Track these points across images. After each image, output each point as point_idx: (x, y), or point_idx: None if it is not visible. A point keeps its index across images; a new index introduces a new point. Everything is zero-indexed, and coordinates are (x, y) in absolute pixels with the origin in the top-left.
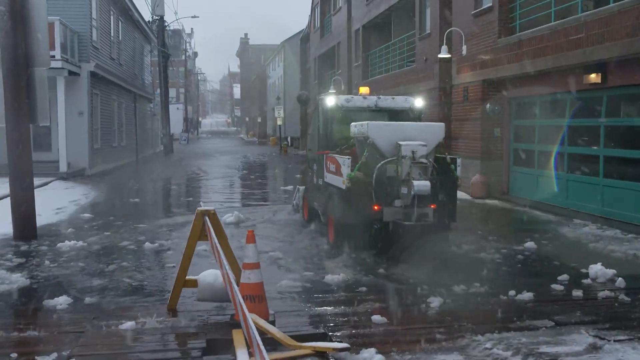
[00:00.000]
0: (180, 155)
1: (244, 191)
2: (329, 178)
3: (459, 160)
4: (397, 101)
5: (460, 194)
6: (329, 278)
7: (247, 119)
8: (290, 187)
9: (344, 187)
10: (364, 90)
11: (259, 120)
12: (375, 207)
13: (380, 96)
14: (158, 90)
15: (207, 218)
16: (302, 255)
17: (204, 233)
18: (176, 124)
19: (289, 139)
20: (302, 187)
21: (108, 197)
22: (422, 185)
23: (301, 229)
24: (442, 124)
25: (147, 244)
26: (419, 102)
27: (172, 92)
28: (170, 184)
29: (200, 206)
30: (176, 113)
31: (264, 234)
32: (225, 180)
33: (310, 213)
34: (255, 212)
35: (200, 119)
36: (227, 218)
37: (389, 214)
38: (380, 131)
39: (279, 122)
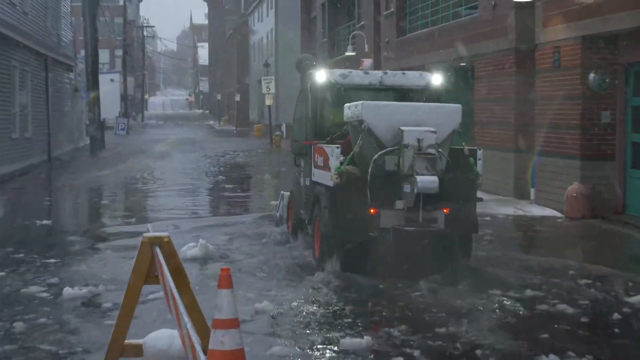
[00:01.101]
0: (115, 152)
1: (214, 208)
2: (317, 175)
3: (479, 152)
4: (409, 78)
5: (550, 212)
6: (346, 342)
7: (218, 96)
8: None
9: (331, 184)
10: (367, 63)
11: (238, 98)
12: (371, 210)
13: (388, 71)
14: (82, 53)
15: (157, 249)
16: (304, 304)
17: (153, 273)
18: (111, 104)
19: (283, 127)
20: (286, 193)
21: (2, 218)
22: (427, 181)
23: (302, 261)
24: (459, 106)
25: (67, 290)
26: (437, 79)
27: (103, 56)
28: (100, 197)
29: (148, 231)
30: (110, 88)
31: (247, 268)
32: (185, 193)
33: (296, 224)
34: (231, 238)
35: (147, 96)
36: (189, 250)
37: (388, 219)
38: (378, 113)
39: (269, 102)
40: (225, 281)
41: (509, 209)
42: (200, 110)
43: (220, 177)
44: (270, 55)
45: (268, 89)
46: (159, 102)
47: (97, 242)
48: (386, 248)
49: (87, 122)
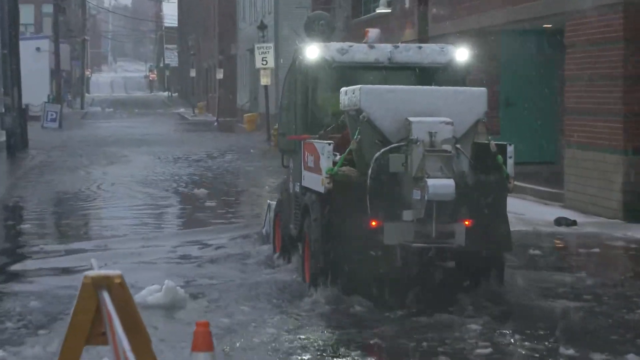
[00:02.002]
0: (44, 154)
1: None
2: (307, 179)
3: (510, 149)
4: (427, 53)
5: None
6: None
7: (192, 72)
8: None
9: (322, 189)
10: (372, 34)
11: (220, 76)
12: (372, 223)
13: (399, 44)
14: None
15: (105, 295)
16: (291, 336)
17: (98, 329)
18: (37, 83)
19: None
20: (273, 203)
21: None
22: (441, 185)
23: (291, 287)
24: (483, 90)
25: None
26: (462, 55)
27: (26, 13)
28: (19, 219)
29: (91, 267)
30: (36, 60)
31: (225, 298)
32: (144, 212)
33: (286, 242)
34: (208, 262)
35: (89, 73)
36: (150, 295)
37: (394, 233)
38: (379, 100)
39: (265, 81)
40: (203, 341)
41: (613, 236)
42: (167, 93)
43: (195, 190)
44: (268, 13)
45: (264, 62)
46: (107, 81)
47: (8, 283)
48: (391, 270)
49: (2, 109)
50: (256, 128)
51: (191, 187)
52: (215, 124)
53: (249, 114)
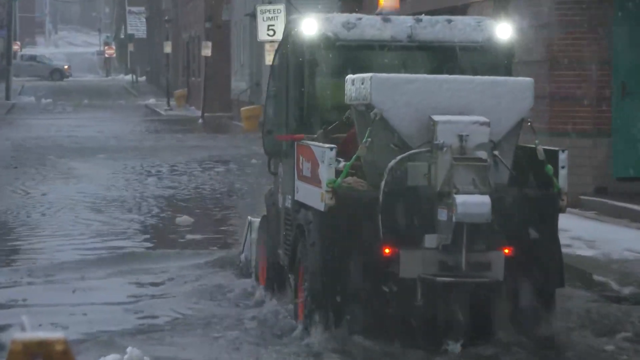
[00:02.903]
0: None
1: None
2: (302, 192)
3: (562, 156)
4: (458, 28)
5: None
6: None
7: (167, 47)
8: None
9: (322, 207)
10: (389, 3)
11: (207, 52)
12: (386, 250)
13: (422, 16)
14: None
15: None
16: None
17: None
18: None
19: None
20: (255, 221)
21: None
22: (473, 203)
23: (280, 330)
24: (529, 80)
25: None
26: (505, 31)
27: None
28: None
29: (23, 327)
30: None
31: (195, 347)
32: (95, 243)
33: (272, 273)
34: (172, 298)
35: (17, 47)
36: None
37: (413, 264)
38: (396, 93)
39: (272, 61)
40: None
41: None
42: (130, 77)
43: (177, 218)
44: None
45: (271, 33)
46: (44, 55)
47: None
48: (409, 310)
49: None
50: (258, 127)
51: (168, 214)
52: (201, 121)
53: (249, 107)
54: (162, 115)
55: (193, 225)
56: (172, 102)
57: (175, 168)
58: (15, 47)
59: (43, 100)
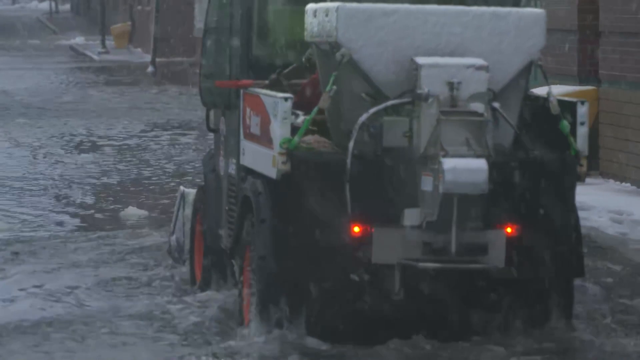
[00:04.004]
0: None
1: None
2: (249, 154)
3: (582, 109)
4: None
5: None
6: None
7: None
8: None
9: (274, 173)
10: None
11: None
12: (355, 229)
13: None
14: None
15: None
16: None
17: None
18: None
19: None
20: (190, 191)
21: None
22: (465, 168)
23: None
24: (540, 12)
25: None
26: None
27: None
28: None
29: None
30: None
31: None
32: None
33: (211, 259)
34: (82, 289)
35: None
36: None
37: (388, 246)
38: (369, 28)
39: None
40: None
41: None
42: (47, 4)
43: (123, 211)
44: None
45: None
46: None
47: None
48: (384, 304)
49: None
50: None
51: (110, 204)
52: (150, 69)
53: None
54: (95, 60)
55: (144, 220)
56: (109, 42)
57: (116, 139)
58: None
59: None
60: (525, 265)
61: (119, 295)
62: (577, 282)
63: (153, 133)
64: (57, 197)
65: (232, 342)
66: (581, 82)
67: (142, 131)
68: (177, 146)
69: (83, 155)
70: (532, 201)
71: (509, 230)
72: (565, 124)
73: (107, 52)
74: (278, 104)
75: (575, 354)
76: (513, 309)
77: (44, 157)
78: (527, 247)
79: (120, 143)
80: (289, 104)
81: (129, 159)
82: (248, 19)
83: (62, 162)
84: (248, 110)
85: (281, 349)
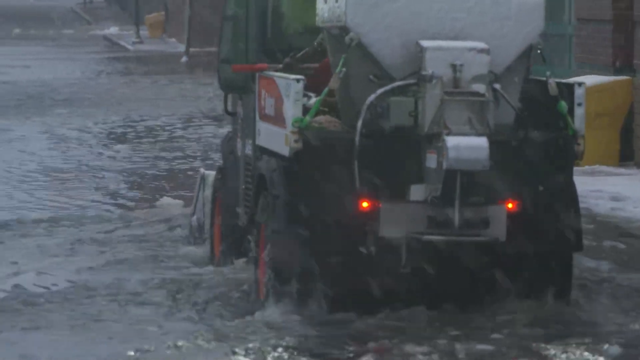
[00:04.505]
0: None
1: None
2: (264, 134)
3: (579, 91)
4: None
5: None
6: None
7: None
8: None
9: (287, 151)
10: None
11: None
12: (363, 204)
13: None
14: None
15: None
16: None
17: None
18: None
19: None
20: (210, 173)
21: None
22: (467, 146)
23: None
24: None
25: None
26: None
27: None
28: None
29: None
30: None
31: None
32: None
33: (229, 236)
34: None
35: None
36: None
37: (395, 220)
38: (376, 12)
39: None
40: None
41: None
42: None
43: (158, 201)
44: None
45: None
46: None
47: None
48: (391, 276)
49: None
50: None
51: (144, 194)
52: (185, 59)
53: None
54: (129, 50)
55: (177, 210)
56: (143, 32)
57: (151, 129)
58: None
59: None
60: (525, 239)
61: (142, 270)
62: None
63: (187, 124)
64: (94, 187)
65: (248, 317)
66: (615, 72)
67: (177, 121)
68: (211, 137)
69: (119, 145)
70: (532, 178)
71: (509, 205)
72: (563, 105)
73: (141, 42)
74: (291, 86)
75: (571, 326)
76: (512, 282)
77: (80, 147)
78: (527, 221)
79: (155, 133)
80: (301, 85)
81: (164, 149)
82: (263, 6)
83: (98, 152)
84: (263, 92)
85: (294, 321)
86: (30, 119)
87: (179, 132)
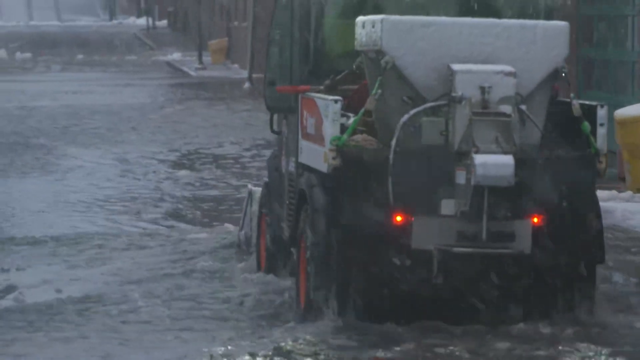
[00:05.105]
0: None
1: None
2: (306, 152)
3: (602, 112)
4: None
5: None
6: None
7: None
8: None
9: (325, 168)
10: None
11: None
12: (397, 217)
13: None
14: None
15: None
16: None
17: None
18: None
19: None
20: (256, 189)
21: None
22: (494, 163)
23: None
24: (564, 24)
25: None
26: None
27: None
28: None
29: None
30: None
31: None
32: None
33: (274, 249)
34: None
35: None
36: None
37: (428, 233)
38: (410, 38)
39: None
40: None
41: None
42: (145, 20)
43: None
44: None
45: None
46: None
47: None
48: (423, 285)
49: None
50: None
51: (205, 219)
52: (247, 85)
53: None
54: (192, 76)
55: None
56: (206, 58)
57: (213, 155)
58: None
59: (18, 55)
60: (549, 252)
61: (195, 278)
62: None
63: (250, 150)
64: (159, 212)
65: (290, 324)
66: None
67: (240, 147)
68: None
69: (183, 171)
70: (556, 194)
71: (535, 220)
72: (587, 125)
73: (204, 68)
74: (329, 106)
75: (597, 337)
76: (539, 294)
77: (145, 173)
78: (551, 235)
79: (219, 159)
80: (339, 105)
81: (228, 174)
82: (306, 31)
83: (162, 177)
84: (305, 112)
85: (331, 329)
86: (94, 145)
87: (243, 158)
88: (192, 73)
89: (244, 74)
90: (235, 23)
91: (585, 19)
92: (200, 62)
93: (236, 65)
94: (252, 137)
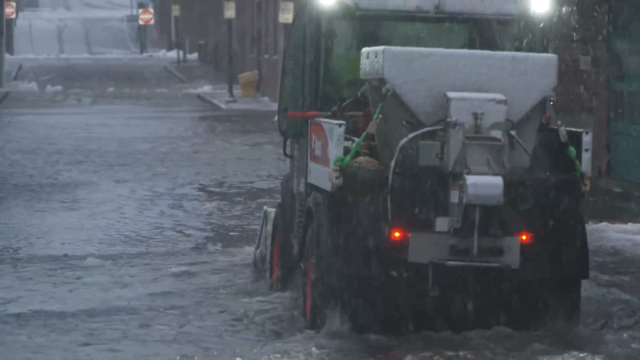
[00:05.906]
0: None
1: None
2: (313, 173)
3: (587, 138)
4: (489, 0)
5: None
6: None
7: (228, 11)
8: None
9: (330, 187)
10: None
11: (288, 18)
12: (395, 234)
13: None
14: None
15: None
16: None
17: None
18: None
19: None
20: (271, 210)
21: None
22: (484, 184)
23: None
24: (553, 57)
25: None
26: (541, 4)
27: None
28: None
29: None
30: None
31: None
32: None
33: (285, 265)
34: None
35: (12, 11)
36: None
37: (423, 248)
38: (409, 67)
39: None
40: None
41: None
42: (176, 54)
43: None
44: None
45: None
46: (50, 27)
47: None
48: (419, 297)
49: None
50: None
51: (228, 247)
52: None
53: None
54: (223, 109)
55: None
56: (237, 91)
57: (244, 188)
58: (9, 10)
59: (49, 88)
60: (537, 267)
61: (210, 293)
62: None
63: (279, 181)
64: (189, 247)
65: (297, 335)
66: None
67: (270, 179)
68: None
69: (213, 203)
70: (543, 214)
71: (523, 237)
72: (572, 150)
73: (234, 101)
74: (334, 129)
75: (580, 348)
76: (526, 306)
77: (175, 207)
78: (539, 252)
79: (248, 191)
80: (342, 129)
81: (257, 209)
82: (316, 62)
83: (191, 210)
84: (313, 136)
85: (335, 338)
86: (124, 178)
87: (273, 190)
88: (223, 106)
89: (274, 106)
90: (266, 56)
91: (615, 52)
92: (231, 94)
93: (266, 98)
94: (281, 170)
